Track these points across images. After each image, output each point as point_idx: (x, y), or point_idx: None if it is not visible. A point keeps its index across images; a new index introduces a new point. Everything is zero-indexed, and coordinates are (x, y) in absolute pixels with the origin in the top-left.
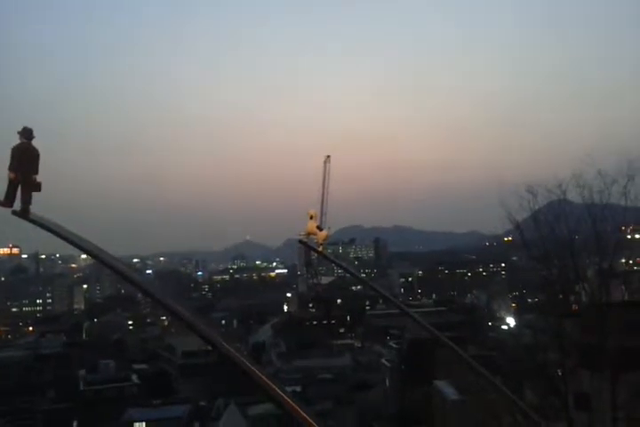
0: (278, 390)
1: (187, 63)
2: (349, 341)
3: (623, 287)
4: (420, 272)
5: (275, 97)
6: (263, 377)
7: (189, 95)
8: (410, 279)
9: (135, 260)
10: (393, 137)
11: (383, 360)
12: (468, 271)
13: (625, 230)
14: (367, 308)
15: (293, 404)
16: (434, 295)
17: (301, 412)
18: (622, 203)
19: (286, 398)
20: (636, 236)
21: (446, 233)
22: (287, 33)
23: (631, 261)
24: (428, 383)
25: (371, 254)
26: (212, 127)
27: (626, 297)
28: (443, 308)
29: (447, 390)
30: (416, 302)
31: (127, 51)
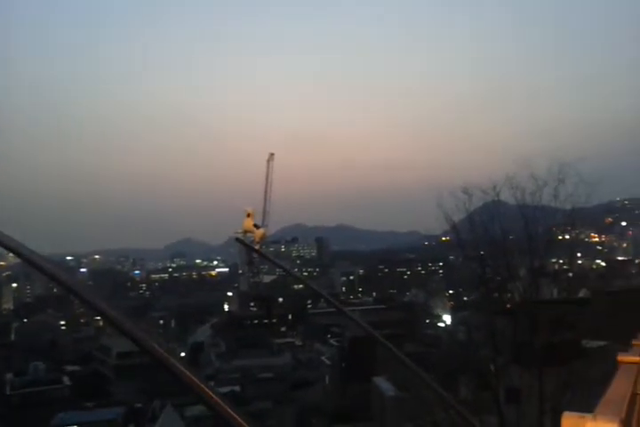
0: (209, 392)
1: (123, 64)
2: (290, 339)
3: (553, 286)
4: (362, 271)
5: (217, 95)
6: (194, 378)
7: (128, 92)
8: (351, 278)
9: (69, 257)
10: (337, 137)
11: (323, 358)
12: (408, 270)
13: (555, 231)
14: (309, 306)
15: (224, 405)
16: (374, 294)
17: (232, 413)
18: (553, 204)
19: (217, 399)
20: (566, 236)
21: (388, 232)
22: (233, 30)
23: (561, 261)
24: (368, 380)
25: (313, 253)
26: (152, 125)
27: (555, 295)
28: (382, 306)
29: (385, 386)
30: (357, 301)
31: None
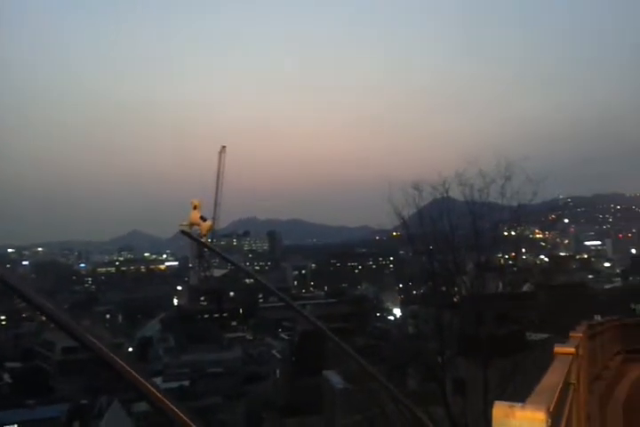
0: (151, 388)
1: (71, 52)
2: (241, 334)
3: (499, 280)
4: (313, 265)
5: (170, 87)
6: (135, 374)
7: (65, 78)
8: (303, 272)
9: (10, 250)
10: (292, 131)
11: (274, 352)
12: (359, 264)
13: (502, 227)
14: (260, 301)
15: (167, 401)
16: (326, 288)
17: (175, 409)
18: (500, 201)
19: (159, 395)
20: (512, 233)
21: (340, 227)
22: (189, 27)
23: (506, 256)
24: (318, 374)
25: (265, 247)
26: (100, 114)
27: (500, 289)
28: (333, 300)
29: (335, 379)
30: (308, 295)
31: None
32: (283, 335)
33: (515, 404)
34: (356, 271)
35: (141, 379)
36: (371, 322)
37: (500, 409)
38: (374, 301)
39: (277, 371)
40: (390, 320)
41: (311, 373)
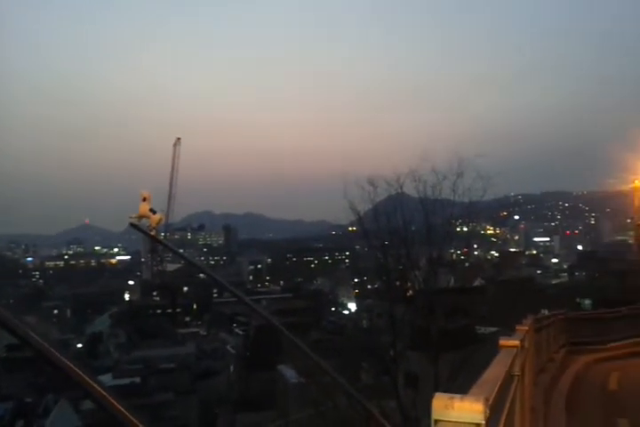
0: (95, 385)
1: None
2: (195, 329)
3: (451, 275)
4: (269, 260)
5: (123, 78)
6: (77, 370)
7: (31, 67)
8: (259, 267)
9: None
10: (247, 125)
11: (229, 347)
12: (315, 259)
13: (454, 223)
14: (215, 296)
15: (111, 398)
16: (282, 282)
17: (119, 406)
18: (452, 198)
19: (103, 392)
20: (464, 228)
21: (296, 222)
22: (146, 16)
23: (458, 252)
24: (272, 368)
25: (220, 241)
26: (51, 104)
27: (452, 284)
28: (289, 294)
29: (289, 373)
30: (264, 289)
31: None
32: (237, 330)
33: (454, 395)
34: (312, 266)
35: (85, 376)
36: (326, 316)
37: (439, 401)
38: (330, 295)
39: (231, 366)
40: (345, 315)
41: (266, 368)
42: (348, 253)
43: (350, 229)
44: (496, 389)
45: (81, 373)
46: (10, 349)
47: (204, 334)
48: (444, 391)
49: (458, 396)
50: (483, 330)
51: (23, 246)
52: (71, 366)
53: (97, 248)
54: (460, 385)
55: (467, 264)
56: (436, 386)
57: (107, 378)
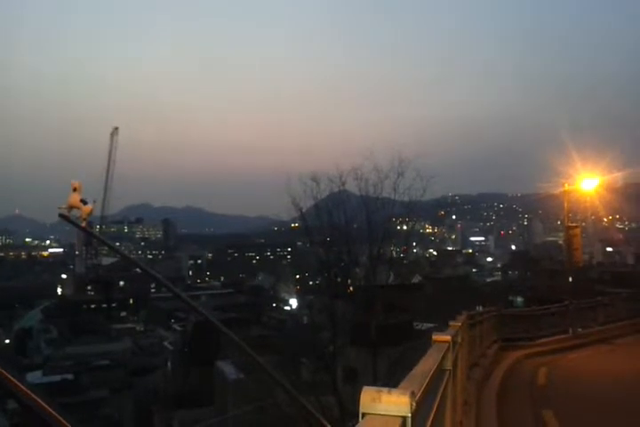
0: (18, 383)
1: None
2: (131, 325)
3: (390, 272)
4: (210, 255)
5: (65, 65)
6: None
7: None
8: (199, 262)
9: None
10: (191, 117)
11: (166, 344)
12: (257, 255)
13: (394, 221)
14: (152, 290)
15: (35, 396)
16: (222, 278)
17: (45, 405)
18: (393, 196)
19: (25, 389)
20: (403, 227)
21: (238, 217)
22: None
23: (398, 249)
24: (211, 365)
25: (159, 235)
26: None
27: (391, 281)
28: (230, 290)
29: (228, 370)
30: (204, 285)
31: None
32: (175, 326)
33: (382, 389)
34: (254, 262)
35: (5, 373)
36: (267, 312)
37: (367, 394)
38: (271, 291)
39: (169, 363)
40: (286, 311)
41: (204, 364)
42: (289, 249)
43: (292, 225)
44: (425, 382)
45: (2, 370)
46: None
47: (141, 329)
48: (383, 386)
49: (385, 389)
50: (421, 326)
51: None
52: None
53: (27, 240)
54: (397, 380)
55: (406, 262)
56: (374, 381)
57: (36, 375)
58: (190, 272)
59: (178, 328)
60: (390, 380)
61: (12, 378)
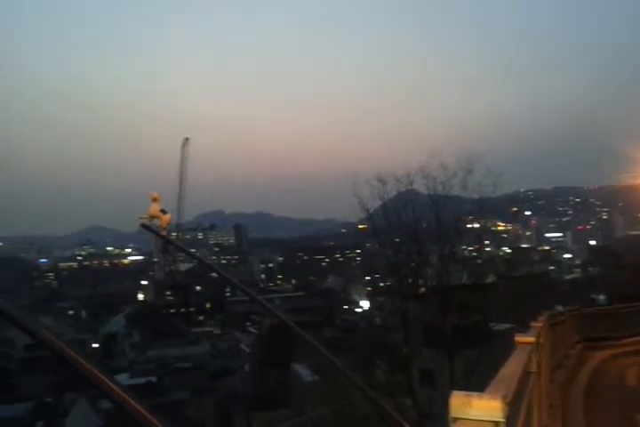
0: (112, 384)
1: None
2: (209, 328)
3: (463, 272)
4: (281, 258)
5: (133, 80)
6: (92, 369)
7: (42, 68)
8: (270, 265)
9: None
10: (256, 122)
11: (243, 346)
12: (326, 257)
13: (464, 220)
14: (228, 295)
15: (128, 398)
16: (293, 281)
17: (136, 405)
18: (462, 194)
19: (120, 392)
20: (475, 225)
21: (306, 220)
22: (153, 17)
23: (470, 248)
24: (287, 367)
25: (232, 241)
26: (65, 106)
27: (464, 280)
28: (301, 293)
29: (304, 372)
30: (276, 288)
31: None
32: (251, 329)
33: (472, 393)
34: (323, 264)
35: (101, 376)
36: (338, 314)
37: (457, 398)
38: (341, 293)
39: (246, 365)
40: (358, 312)
41: (280, 366)
42: (358, 250)
43: (360, 226)
44: (514, 386)
45: (97, 372)
46: (28, 349)
47: (218, 333)
48: (461, 389)
49: (475, 393)
50: (497, 327)
51: (37, 248)
52: (87, 365)
53: (109, 249)
54: (476, 382)
55: (479, 261)
56: (451, 383)
57: (123, 378)
58: (262, 276)
59: (253, 331)
60: (468, 382)
61: (106, 380)
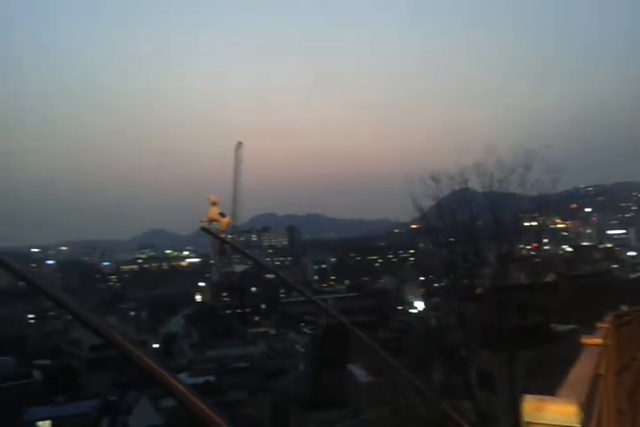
0: (176, 383)
1: (100, 42)
2: (264, 329)
3: (521, 271)
4: (334, 259)
5: (185, 83)
6: (158, 369)
7: (80, 77)
8: (323, 266)
9: (35, 249)
10: (307, 124)
11: (297, 347)
12: (379, 257)
13: (522, 218)
14: (282, 295)
15: (191, 396)
16: (346, 281)
17: (199, 403)
18: (519, 191)
19: (182, 389)
20: (533, 223)
21: (358, 220)
22: (204, 26)
23: (528, 247)
24: (342, 367)
25: (285, 242)
26: (119, 112)
27: (523, 280)
28: (355, 293)
29: (359, 373)
30: (330, 289)
31: None
32: (305, 330)
33: (544, 397)
34: (377, 265)
35: (168, 376)
36: (392, 315)
37: (530, 402)
38: (395, 294)
39: (301, 365)
40: (412, 313)
41: (335, 367)
42: (412, 250)
43: (413, 226)
44: (585, 390)
45: (164, 372)
46: (93, 349)
47: (274, 333)
48: (522, 392)
49: (548, 398)
50: (558, 327)
51: (99, 251)
52: (154, 365)
53: (168, 252)
54: (538, 385)
55: (537, 259)
56: (512, 386)
57: (183, 377)
58: (316, 277)
59: (308, 331)
60: (529, 385)
61: (172, 379)
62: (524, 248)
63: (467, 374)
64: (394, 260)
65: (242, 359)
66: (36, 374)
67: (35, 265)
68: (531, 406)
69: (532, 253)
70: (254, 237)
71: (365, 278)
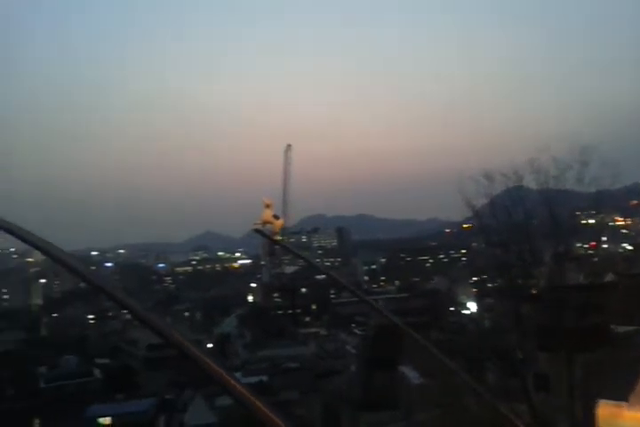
0: (233, 382)
1: (135, 50)
2: (315, 329)
3: (579, 271)
4: (384, 260)
5: (234, 86)
6: (218, 369)
7: (137, 81)
8: (373, 267)
9: (94, 253)
10: (354, 125)
11: (348, 347)
12: (430, 258)
13: (580, 215)
14: (332, 296)
15: (249, 395)
16: (397, 282)
17: (256, 402)
18: (576, 188)
19: (241, 389)
20: (591, 221)
21: (408, 220)
22: (238, 18)
23: (586, 246)
24: (393, 369)
25: (334, 243)
26: (172, 118)
27: (580, 280)
28: (405, 294)
29: (411, 374)
30: (380, 289)
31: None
32: (356, 330)
33: (620, 403)
34: (427, 265)
35: (226, 375)
36: (445, 316)
37: (605, 408)
38: (447, 294)
39: (352, 366)
40: (465, 314)
41: (386, 368)
42: (463, 250)
43: (465, 225)
44: None
45: (223, 372)
46: (150, 349)
47: (325, 334)
48: (582, 395)
49: (624, 404)
50: (618, 329)
51: (154, 254)
52: (214, 366)
53: (220, 253)
54: (598, 388)
55: (596, 258)
56: (570, 389)
57: (238, 377)
58: (366, 277)
59: (358, 332)
60: (589, 389)
61: (229, 378)
62: (581, 247)
63: (522, 377)
64: (445, 260)
65: (293, 360)
66: (97, 372)
67: (94, 267)
68: (606, 412)
69: (590, 251)
70: (304, 239)
71: (416, 279)
